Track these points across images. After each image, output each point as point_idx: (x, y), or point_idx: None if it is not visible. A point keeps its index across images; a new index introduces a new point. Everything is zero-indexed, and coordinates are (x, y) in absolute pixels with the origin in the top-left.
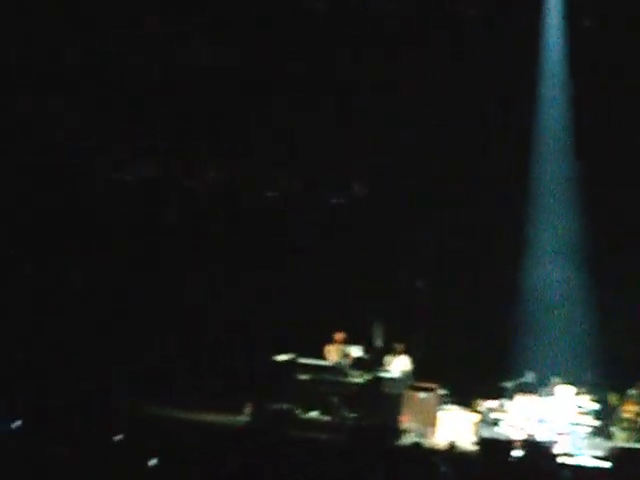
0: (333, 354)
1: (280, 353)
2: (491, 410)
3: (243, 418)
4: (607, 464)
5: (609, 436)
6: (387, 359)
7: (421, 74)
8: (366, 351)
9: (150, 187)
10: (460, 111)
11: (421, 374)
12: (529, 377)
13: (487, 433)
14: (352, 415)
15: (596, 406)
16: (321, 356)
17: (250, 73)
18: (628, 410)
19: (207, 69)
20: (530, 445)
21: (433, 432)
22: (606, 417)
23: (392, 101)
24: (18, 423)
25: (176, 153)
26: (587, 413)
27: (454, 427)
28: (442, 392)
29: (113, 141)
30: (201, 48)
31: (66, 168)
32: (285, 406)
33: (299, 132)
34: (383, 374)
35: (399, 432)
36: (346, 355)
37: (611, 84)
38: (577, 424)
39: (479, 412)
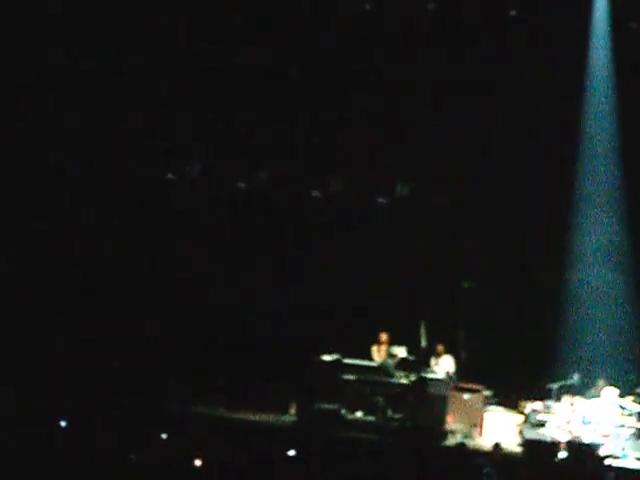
0: (378, 354)
1: (326, 353)
2: (536, 412)
3: (289, 417)
4: None
5: None
6: (432, 360)
7: (470, 75)
8: (411, 352)
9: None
10: (507, 115)
11: (466, 375)
12: (574, 378)
13: (532, 435)
14: (397, 416)
15: None
16: (367, 356)
17: (292, 72)
18: None
19: (243, 67)
20: (575, 447)
21: (478, 433)
22: None
23: (437, 101)
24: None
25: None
26: (632, 415)
27: (499, 428)
28: (487, 393)
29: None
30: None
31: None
32: (331, 406)
33: (342, 131)
34: (428, 375)
35: (444, 433)
36: (391, 355)
37: None
38: (622, 426)
39: (524, 413)
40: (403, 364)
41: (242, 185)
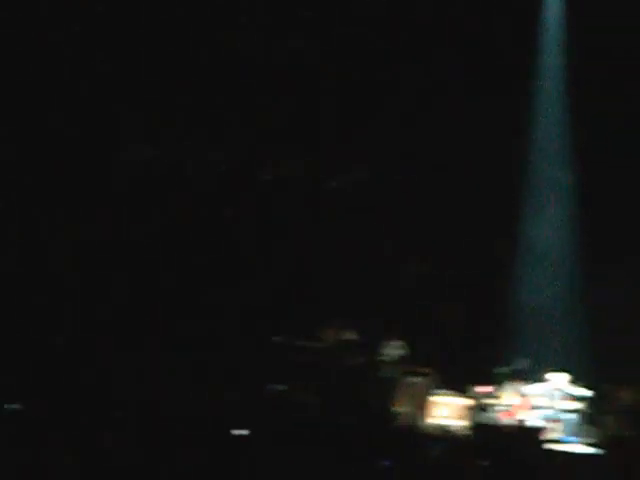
0: (329, 337)
1: (276, 335)
2: (484, 396)
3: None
4: (598, 451)
5: (601, 423)
6: (382, 343)
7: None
8: (361, 335)
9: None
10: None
11: (416, 359)
12: (522, 363)
13: (479, 418)
14: (347, 398)
15: (588, 393)
16: (317, 339)
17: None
18: (621, 397)
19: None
20: (522, 431)
21: (426, 416)
22: (598, 404)
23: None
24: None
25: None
26: (579, 400)
27: (446, 412)
28: (435, 377)
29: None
30: None
31: None
32: (279, 387)
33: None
34: (378, 358)
35: (392, 416)
36: (342, 339)
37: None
38: (569, 411)
39: (472, 398)
40: (353, 347)
41: (194, 170)
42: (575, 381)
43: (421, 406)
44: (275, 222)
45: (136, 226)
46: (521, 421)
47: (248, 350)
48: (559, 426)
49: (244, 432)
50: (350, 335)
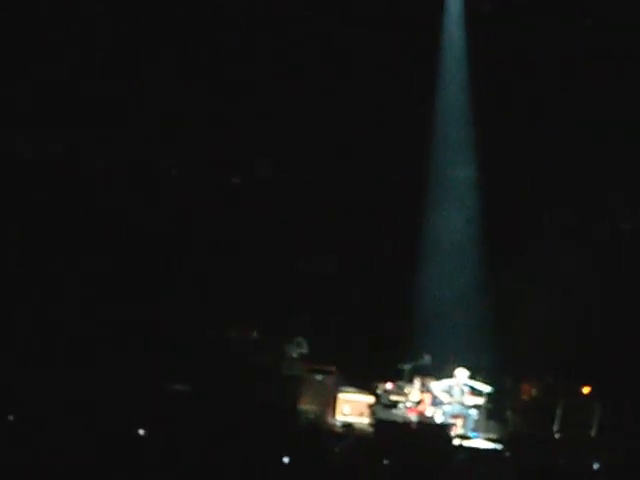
0: (232, 335)
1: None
2: (388, 392)
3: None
4: (500, 447)
5: (503, 419)
6: (285, 341)
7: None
8: (265, 333)
9: None
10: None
11: (319, 356)
12: (426, 359)
13: (384, 415)
14: (251, 396)
15: (491, 389)
16: (221, 337)
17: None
18: (523, 394)
19: None
20: (426, 427)
21: (330, 414)
22: (501, 400)
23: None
24: None
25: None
26: (482, 395)
27: (350, 409)
28: (340, 374)
29: None
30: None
31: None
32: (182, 387)
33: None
34: (281, 356)
35: (296, 414)
36: (246, 337)
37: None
38: (472, 407)
39: (376, 394)
40: (257, 345)
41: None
42: (478, 377)
43: (325, 404)
44: (178, 218)
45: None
46: (426, 417)
47: (150, 349)
48: (463, 422)
49: (142, 431)
50: (253, 333)
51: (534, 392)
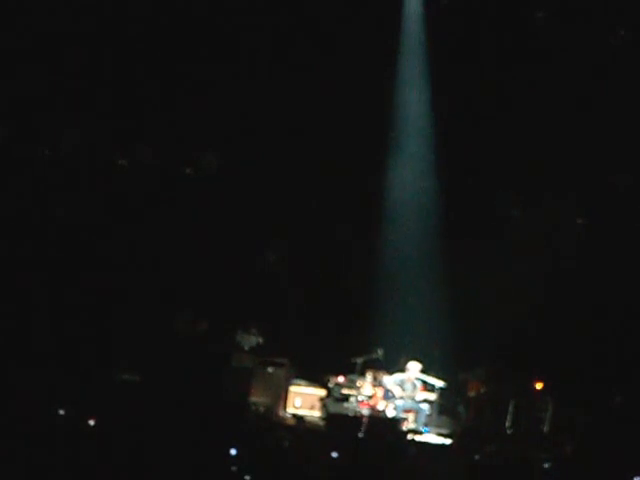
0: (183, 327)
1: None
2: (340, 386)
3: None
4: (451, 441)
5: (455, 414)
6: (237, 333)
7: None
8: (214, 325)
9: None
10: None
11: (271, 348)
12: (378, 353)
13: (335, 409)
14: (201, 388)
15: (443, 384)
16: (172, 328)
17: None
18: (473, 389)
19: None
20: (377, 421)
21: (281, 407)
22: (453, 395)
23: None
24: None
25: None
26: (434, 390)
27: (302, 402)
28: (291, 367)
29: None
30: None
31: None
32: (131, 377)
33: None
34: (233, 347)
35: (247, 406)
36: (196, 329)
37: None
38: (424, 401)
39: (328, 387)
40: (208, 337)
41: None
42: (431, 371)
43: (276, 396)
44: (128, 208)
45: None
46: (379, 411)
47: (101, 341)
48: (414, 416)
49: (91, 422)
50: (205, 325)
51: (486, 387)
